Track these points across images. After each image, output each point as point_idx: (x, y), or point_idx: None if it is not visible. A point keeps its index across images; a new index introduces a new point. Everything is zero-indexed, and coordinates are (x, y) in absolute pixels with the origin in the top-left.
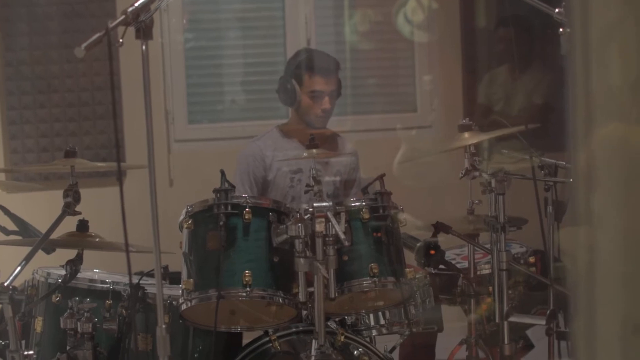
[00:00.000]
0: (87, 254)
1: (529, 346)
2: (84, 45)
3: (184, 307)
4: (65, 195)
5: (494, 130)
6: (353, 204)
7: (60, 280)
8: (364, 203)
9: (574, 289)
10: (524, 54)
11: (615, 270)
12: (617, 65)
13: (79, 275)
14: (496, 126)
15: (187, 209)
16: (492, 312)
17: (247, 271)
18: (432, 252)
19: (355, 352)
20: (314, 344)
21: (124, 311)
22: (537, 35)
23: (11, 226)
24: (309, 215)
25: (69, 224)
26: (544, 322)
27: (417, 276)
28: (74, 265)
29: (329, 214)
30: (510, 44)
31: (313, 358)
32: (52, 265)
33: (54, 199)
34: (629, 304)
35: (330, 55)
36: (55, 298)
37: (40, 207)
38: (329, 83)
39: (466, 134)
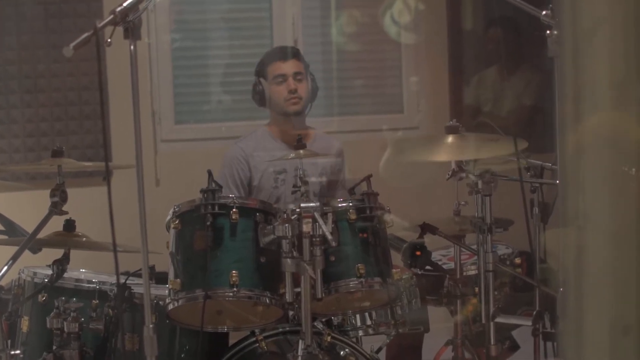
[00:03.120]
0: (74, 254)
1: (514, 347)
2: (72, 44)
3: (170, 307)
4: (52, 195)
5: (481, 134)
6: (340, 205)
7: (46, 280)
8: (351, 204)
9: (563, 290)
10: (513, 55)
11: (604, 271)
12: (604, 64)
13: (65, 274)
14: (484, 128)
15: (175, 209)
16: (477, 313)
17: (234, 271)
18: (418, 253)
19: (342, 353)
20: (301, 344)
21: (110, 311)
22: (525, 37)
23: None
24: (296, 215)
25: (56, 224)
26: (530, 323)
27: (403, 277)
28: (61, 264)
29: (316, 215)
30: (499, 44)
31: (300, 358)
32: (38, 265)
33: (41, 199)
34: (618, 305)
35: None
36: (42, 298)
37: (26, 207)
38: (289, 65)
39: (451, 136)
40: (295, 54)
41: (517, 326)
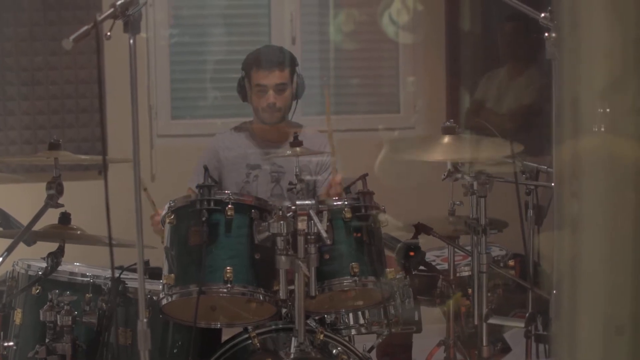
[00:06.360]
0: (68, 247)
1: (506, 349)
2: (72, 37)
3: (164, 302)
4: (48, 188)
5: (478, 136)
6: (335, 203)
7: (40, 273)
8: (346, 202)
9: (557, 291)
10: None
11: (597, 272)
12: (601, 70)
13: (59, 268)
14: (481, 129)
15: (170, 204)
16: (470, 314)
17: (228, 267)
18: (412, 253)
19: (334, 351)
20: (294, 342)
21: (103, 305)
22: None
23: None
24: (291, 213)
25: (51, 217)
26: (522, 325)
27: (397, 276)
28: (55, 257)
29: (312, 212)
30: (516, 40)
31: (292, 356)
32: (32, 257)
33: (36, 192)
34: (611, 305)
35: (284, 50)
36: (35, 290)
37: (22, 199)
38: (271, 77)
39: (447, 137)
40: (280, 64)
41: (509, 328)
